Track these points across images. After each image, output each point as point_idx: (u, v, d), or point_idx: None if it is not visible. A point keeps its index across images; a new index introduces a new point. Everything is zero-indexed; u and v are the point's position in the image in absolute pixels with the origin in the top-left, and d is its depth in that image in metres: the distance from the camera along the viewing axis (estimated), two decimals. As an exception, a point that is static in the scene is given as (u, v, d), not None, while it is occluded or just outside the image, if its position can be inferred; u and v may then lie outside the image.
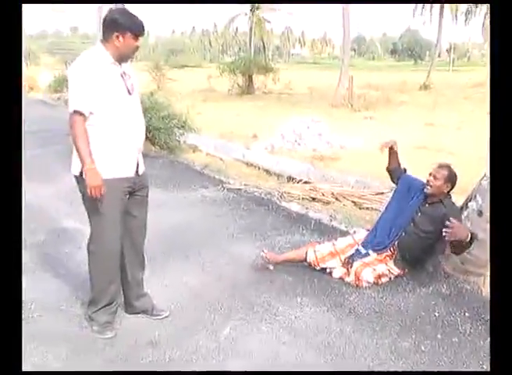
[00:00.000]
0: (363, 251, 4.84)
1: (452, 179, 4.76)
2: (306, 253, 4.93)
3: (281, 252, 5.20)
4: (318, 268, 4.87)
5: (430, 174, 4.80)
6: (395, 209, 4.98)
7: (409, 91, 29.36)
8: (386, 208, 5.15)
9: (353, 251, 4.88)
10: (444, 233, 4.16)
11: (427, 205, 4.82)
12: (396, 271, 4.75)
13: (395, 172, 5.23)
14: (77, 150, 3.44)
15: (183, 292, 4.45)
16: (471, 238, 4.24)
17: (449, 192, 4.81)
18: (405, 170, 5.25)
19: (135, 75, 3.76)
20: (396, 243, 4.82)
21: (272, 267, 4.91)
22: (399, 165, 5.22)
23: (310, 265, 4.90)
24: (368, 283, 4.62)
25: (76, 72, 3.46)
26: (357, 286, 4.60)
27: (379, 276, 4.68)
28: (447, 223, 4.14)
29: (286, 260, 5.00)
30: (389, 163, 5.27)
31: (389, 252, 4.80)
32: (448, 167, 4.82)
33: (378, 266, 4.71)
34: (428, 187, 4.76)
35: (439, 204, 4.76)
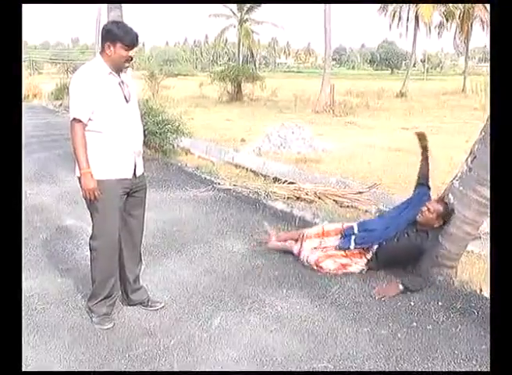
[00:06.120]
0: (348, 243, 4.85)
1: (445, 216, 4.57)
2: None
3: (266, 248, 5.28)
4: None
5: (426, 205, 4.65)
6: (390, 218, 4.90)
7: (386, 98, 29.50)
8: (385, 214, 5.05)
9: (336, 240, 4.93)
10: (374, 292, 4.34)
11: (415, 230, 4.69)
12: (361, 265, 4.76)
13: (417, 181, 5.05)
14: (75, 154, 3.49)
15: (176, 285, 4.44)
16: (405, 288, 4.34)
17: (439, 227, 4.63)
18: (428, 187, 4.98)
19: (134, 84, 3.76)
20: (374, 248, 4.78)
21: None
22: (424, 176, 5.00)
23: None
24: (330, 270, 4.68)
25: (76, 82, 3.51)
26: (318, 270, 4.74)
27: (343, 266, 4.72)
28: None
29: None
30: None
31: (359, 251, 4.80)
32: (445, 204, 4.59)
33: (342, 259, 4.76)
34: (420, 216, 4.65)
35: (423, 234, 4.64)
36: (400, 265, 4.71)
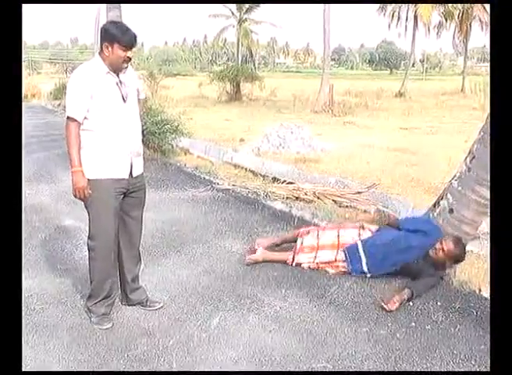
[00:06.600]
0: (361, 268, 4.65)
1: (457, 259, 4.60)
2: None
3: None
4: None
5: (442, 242, 4.59)
6: (399, 246, 4.64)
7: (385, 98, 29.54)
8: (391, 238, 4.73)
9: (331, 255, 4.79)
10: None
11: (425, 258, 4.60)
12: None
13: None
14: (68, 152, 3.50)
15: (175, 285, 4.44)
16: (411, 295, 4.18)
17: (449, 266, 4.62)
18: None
19: (135, 84, 3.75)
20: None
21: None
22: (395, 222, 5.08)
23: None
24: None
25: (72, 81, 3.52)
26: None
27: (344, 273, 4.68)
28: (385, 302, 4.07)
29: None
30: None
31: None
32: (460, 247, 4.60)
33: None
34: (434, 251, 4.58)
35: (431, 265, 4.55)
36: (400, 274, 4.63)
